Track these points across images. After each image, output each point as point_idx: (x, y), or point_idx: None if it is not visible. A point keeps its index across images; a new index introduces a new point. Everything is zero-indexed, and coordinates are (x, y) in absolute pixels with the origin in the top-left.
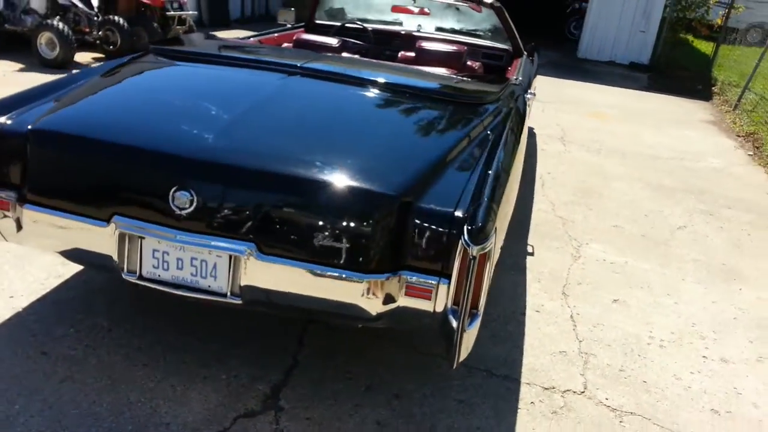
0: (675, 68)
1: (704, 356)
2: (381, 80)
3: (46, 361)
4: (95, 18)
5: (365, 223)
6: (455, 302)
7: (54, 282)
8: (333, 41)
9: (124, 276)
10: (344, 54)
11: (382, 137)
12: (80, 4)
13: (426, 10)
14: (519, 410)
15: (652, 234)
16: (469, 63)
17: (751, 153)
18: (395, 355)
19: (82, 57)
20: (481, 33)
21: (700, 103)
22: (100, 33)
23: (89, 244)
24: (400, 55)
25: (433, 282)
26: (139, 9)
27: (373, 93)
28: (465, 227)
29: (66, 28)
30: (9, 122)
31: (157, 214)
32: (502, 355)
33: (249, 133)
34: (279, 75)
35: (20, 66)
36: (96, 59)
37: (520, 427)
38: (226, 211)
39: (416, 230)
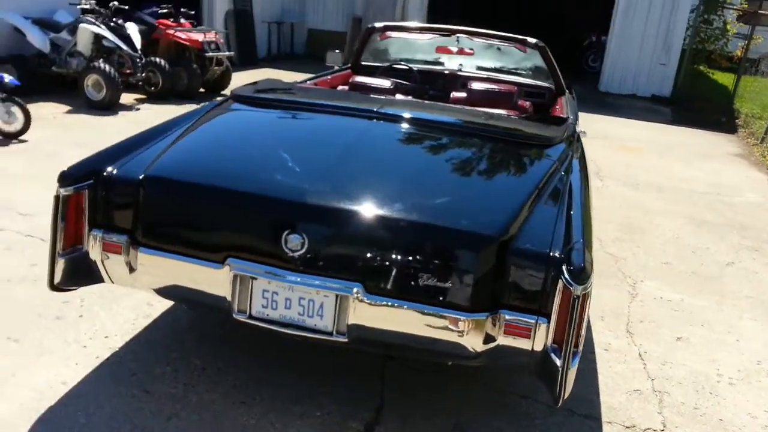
0: (697, 100)
1: None
2: (456, 123)
3: (149, 399)
4: (138, 60)
5: (467, 263)
6: (555, 341)
7: (143, 322)
8: (386, 83)
9: (234, 316)
10: (398, 95)
11: (469, 178)
12: (125, 47)
13: (468, 50)
14: None
15: (702, 271)
16: (519, 102)
17: None
18: (476, 393)
19: (125, 98)
20: (521, 71)
21: (726, 136)
22: (143, 74)
23: (202, 286)
24: (451, 96)
25: (531, 321)
26: (177, 51)
27: (449, 136)
28: (563, 267)
29: (112, 71)
30: (116, 171)
31: (270, 257)
32: (579, 393)
33: (350, 178)
34: (359, 120)
35: (68, 108)
36: (138, 100)
37: None
38: (335, 252)
39: (514, 270)
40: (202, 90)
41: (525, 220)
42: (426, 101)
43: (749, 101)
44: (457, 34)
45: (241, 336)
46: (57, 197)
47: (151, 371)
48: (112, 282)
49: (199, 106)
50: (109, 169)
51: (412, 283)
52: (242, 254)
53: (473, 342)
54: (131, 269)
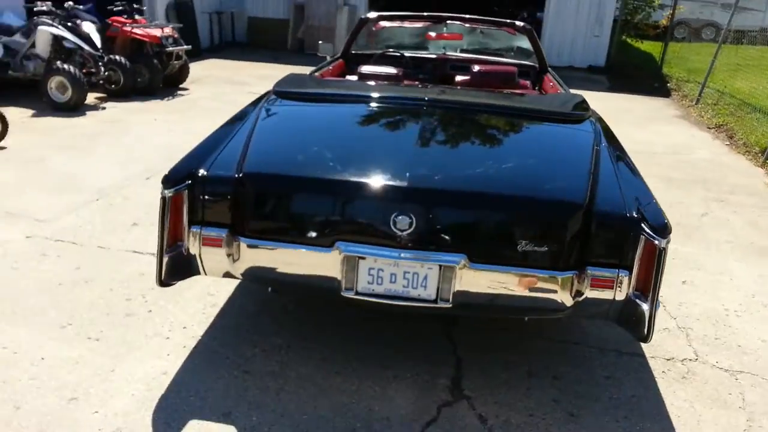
0: (629, 68)
1: None
2: (503, 107)
3: (252, 378)
4: (100, 59)
5: (558, 228)
6: (636, 288)
7: (213, 311)
8: (394, 71)
9: (342, 294)
10: (406, 81)
11: (535, 154)
12: (86, 46)
13: (450, 34)
14: (657, 379)
15: (684, 222)
16: (521, 82)
17: (727, 143)
18: (538, 344)
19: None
20: (503, 52)
21: (663, 100)
22: (105, 73)
23: (308, 269)
24: (456, 79)
25: (614, 274)
26: (133, 47)
27: (500, 117)
28: (643, 225)
29: (77, 71)
30: (209, 171)
31: (380, 237)
32: (620, 336)
33: (439, 161)
34: (414, 108)
35: (31, 111)
36: (99, 99)
37: (664, 391)
38: (440, 228)
39: (596, 230)
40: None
41: (596, 186)
42: (463, 89)
43: (675, 66)
44: (447, 21)
45: (312, 316)
46: (163, 199)
47: (242, 354)
48: (206, 274)
49: (245, 105)
50: (202, 170)
51: (511, 249)
52: (351, 237)
53: (565, 297)
54: (233, 260)
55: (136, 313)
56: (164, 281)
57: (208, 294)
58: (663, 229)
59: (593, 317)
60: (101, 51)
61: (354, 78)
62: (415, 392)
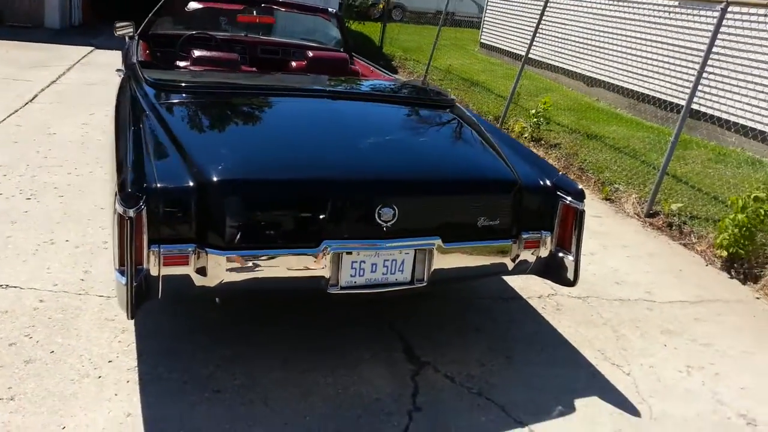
0: (355, 50)
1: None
2: (396, 96)
3: (228, 396)
4: None
5: (504, 203)
6: (557, 245)
7: (127, 336)
8: (233, 56)
9: (329, 291)
10: (244, 67)
11: (451, 140)
12: None
13: (262, 17)
14: (542, 314)
15: None
16: (352, 68)
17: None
18: (448, 305)
19: None
20: (304, 35)
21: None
22: None
23: (295, 272)
24: (293, 65)
25: (539, 235)
26: None
27: (398, 106)
28: (560, 192)
29: None
30: (160, 185)
31: (365, 231)
32: (497, 286)
33: (393, 152)
34: (318, 100)
35: None
36: None
37: (551, 321)
38: (416, 215)
39: (526, 201)
40: None
41: (507, 163)
42: (353, 78)
43: (391, 46)
44: (261, 4)
45: (239, 319)
46: (129, 220)
47: (198, 374)
48: (162, 297)
49: (120, 103)
50: (155, 184)
51: (472, 226)
52: (337, 234)
53: (508, 260)
54: (203, 276)
55: (37, 357)
56: (134, 313)
57: (106, 320)
58: (580, 194)
59: (522, 273)
60: None
61: (186, 63)
62: (383, 369)
